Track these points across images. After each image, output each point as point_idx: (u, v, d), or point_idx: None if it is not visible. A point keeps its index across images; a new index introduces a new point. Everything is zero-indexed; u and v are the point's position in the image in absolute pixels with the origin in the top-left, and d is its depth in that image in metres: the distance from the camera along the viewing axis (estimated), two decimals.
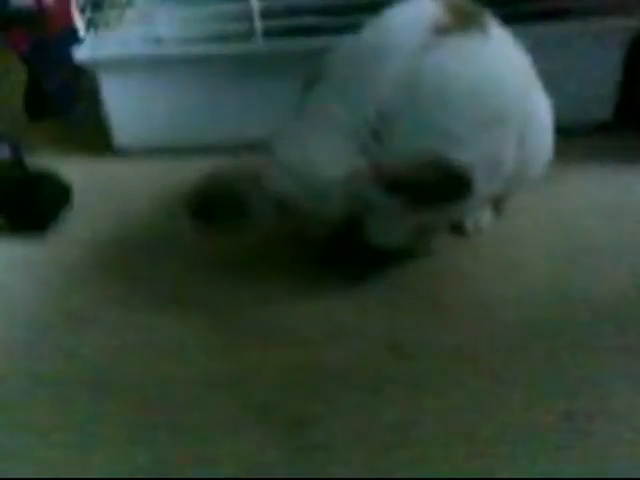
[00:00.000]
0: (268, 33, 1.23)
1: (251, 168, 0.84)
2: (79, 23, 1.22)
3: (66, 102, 1.25)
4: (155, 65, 1.26)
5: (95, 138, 1.34)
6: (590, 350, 0.77)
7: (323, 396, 0.75)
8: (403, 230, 0.87)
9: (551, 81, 1.15)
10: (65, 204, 1.13)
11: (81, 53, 1.24)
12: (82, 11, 1.22)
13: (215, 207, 0.86)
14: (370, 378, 0.77)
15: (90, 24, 1.25)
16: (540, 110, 0.95)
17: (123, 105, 1.29)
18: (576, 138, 1.25)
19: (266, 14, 1.22)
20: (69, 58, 1.22)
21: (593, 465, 0.64)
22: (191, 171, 1.23)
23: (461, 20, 0.85)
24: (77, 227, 1.12)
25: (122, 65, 1.26)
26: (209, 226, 0.87)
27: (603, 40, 1.20)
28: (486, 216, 1.02)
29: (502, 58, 0.89)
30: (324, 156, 0.81)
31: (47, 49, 1.19)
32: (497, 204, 1.02)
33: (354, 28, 0.92)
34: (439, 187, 0.78)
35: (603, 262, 0.92)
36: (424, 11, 0.86)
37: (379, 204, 0.80)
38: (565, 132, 1.23)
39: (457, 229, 1.01)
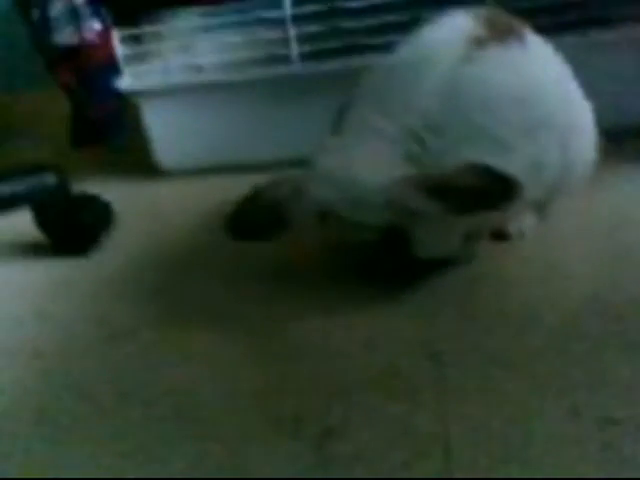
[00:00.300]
0: (305, 56, 1.26)
1: (292, 181, 0.84)
2: (120, 55, 1.27)
3: (111, 130, 1.30)
4: (195, 91, 1.30)
5: (139, 162, 1.39)
6: (635, 355, 0.73)
7: (356, 406, 0.72)
8: (450, 240, 0.86)
9: (594, 87, 1.14)
10: (107, 226, 1.17)
11: (123, 83, 1.29)
12: (123, 44, 1.27)
13: (255, 223, 0.86)
14: (405, 387, 0.74)
15: (131, 56, 1.29)
16: (582, 116, 0.93)
17: (165, 130, 1.34)
18: (622, 142, 1.22)
19: (302, 37, 1.25)
20: (112, 88, 1.27)
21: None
22: (231, 190, 1.26)
23: (498, 32, 0.85)
24: (119, 247, 1.15)
25: (163, 93, 1.30)
26: (250, 241, 0.87)
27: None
28: (530, 220, 1.00)
29: (542, 66, 0.88)
30: (365, 164, 0.80)
31: (91, 81, 1.24)
32: (541, 208, 1.00)
33: (388, 47, 0.92)
34: (482, 193, 0.76)
35: None
36: (460, 25, 0.86)
37: (422, 212, 0.78)
38: (611, 136, 1.21)
39: (500, 234, 0.99)
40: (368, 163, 0.79)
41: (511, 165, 0.80)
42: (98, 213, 1.16)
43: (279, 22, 1.24)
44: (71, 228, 1.13)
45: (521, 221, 0.98)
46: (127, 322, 0.94)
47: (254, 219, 0.86)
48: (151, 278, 1.04)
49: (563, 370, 0.73)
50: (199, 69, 1.32)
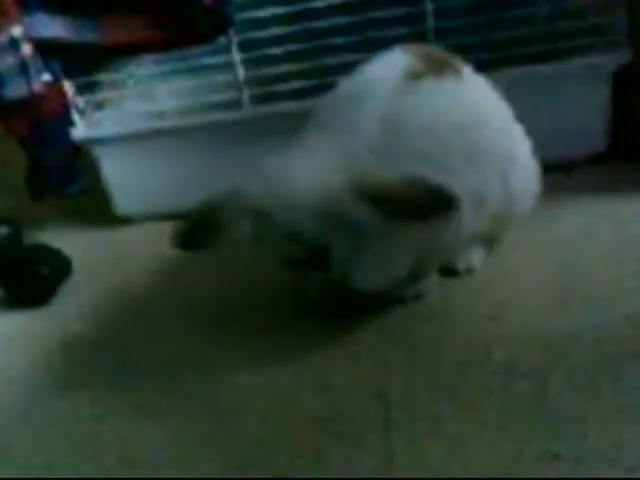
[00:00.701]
0: (256, 99, 1.28)
1: (236, 188, 0.83)
2: (73, 105, 1.28)
3: (67, 178, 1.30)
4: (150, 138, 1.31)
5: (98, 210, 1.40)
6: (579, 390, 0.74)
7: (303, 451, 0.73)
8: (388, 271, 0.86)
9: (542, 118, 1.17)
10: (64, 276, 1.16)
11: (78, 133, 1.29)
12: (76, 94, 1.28)
13: (197, 232, 0.85)
14: (352, 429, 0.74)
15: (85, 105, 1.30)
16: (521, 149, 0.95)
17: (122, 177, 1.34)
18: (572, 173, 1.24)
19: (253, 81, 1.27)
20: (66, 138, 1.28)
21: None
22: None
23: (434, 66, 0.87)
24: (77, 296, 1.14)
25: (118, 140, 1.31)
26: (194, 251, 0.87)
27: (588, 76, 1.21)
28: (478, 255, 1.01)
29: (478, 97, 0.90)
30: (304, 171, 0.79)
31: (45, 132, 1.24)
32: (488, 242, 1.01)
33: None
34: (422, 201, 0.75)
35: (597, 300, 0.88)
36: (395, 61, 0.88)
37: (358, 222, 0.77)
38: (560, 167, 1.23)
39: (449, 270, 0.99)
40: (306, 170, 0.79)
41: (455, 189, 0.81)
42: (54, 263, 1.15)
43: (229, 67, 1.25)
44: (26, 279, 1.13)
45: (469, 256, 0.99)
46: (79, 374, 0.94)
47: (194, 228, 0.85)
48: (105, 328, 1.04)
49: (508, 407, 0.73)
50: (158, 115, 1.33)
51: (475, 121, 0.86)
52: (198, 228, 0.84)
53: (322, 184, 0.77)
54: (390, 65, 0.88)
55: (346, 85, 0.90)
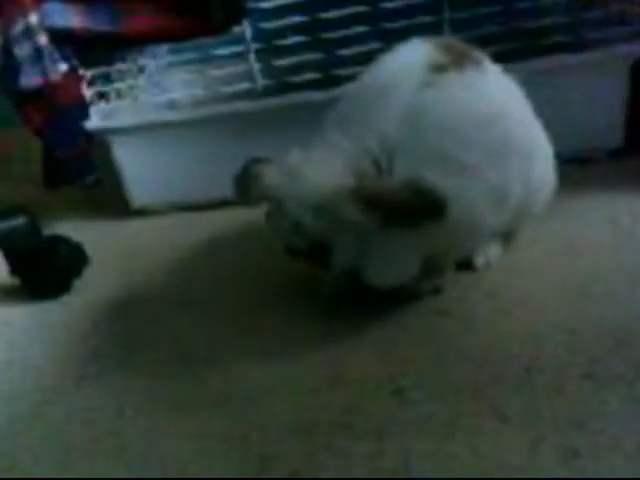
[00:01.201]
0: (270, 90, 1.27)
1: (261, 170, 0.86)
2: (88, 95, 1.28)
3: (81, 170, 1.31)
4: (165, 128, 1.30)
5: (111, 201, 1.40)
6: (598, 384, 0.74)
7: (321, 447, 0.73)
8: (403, 268, 0.86)
9: (560, 112, 1.16)
10: (80, 268, 1.17)
11: (92, 123, 1.30)
12: (91, 84, 1.28)
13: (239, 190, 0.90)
14: (370, 425, 0.75)
15: (101, 95, 1.30)
16: (540, 142, 0.95)
17: (136, 167, 1.34)
18: (588, 167, 1.24)
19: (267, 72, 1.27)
20: (81, 128, 1.28)
21: None
22: (204, 226, 1.29)
23: (456, 58, 0.86)
24: (92, 288, 1.15)
25: (133, 131, 1.31)
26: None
27: (606, 69, 1.19)
28: (496, 250, 1.01)
29: (501, 90, 0.89)
30: (316, 169, 0.82)
31: (59, 122, 1.24)
32: (506, 238, 1.01)
33: (353, 78, 0.94)
34: (409, 208, 0.77)
35: (613, 294, 0.88)
36: (419, 53, 0.87)
37: (350, 222, 0.78)
38: (577, 161, 1.23)
39: (466, 265, 0.99)
40: (319, 169, 0.82)
41: (471, 188, 0.81)
42: (70, 255, 1.16)
43: (244, 57, 1.25)
44: (43, 270, 1.13)
45: (487, 252, 0.99)
46: (95, 366, 0.94)
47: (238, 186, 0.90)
48: (121, 320, 1.04)
49: (527, 402, 0.74)
50: (172, 105, 1.33)
51: (496, 115, 0.85)
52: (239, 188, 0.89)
53: (326, 184, 0.79)
54: (413, 57, 0.87)
55: (369, 76, 0.90)
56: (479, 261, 0.99)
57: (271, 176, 0.85)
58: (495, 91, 0.88)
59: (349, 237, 0.82)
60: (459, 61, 0.86)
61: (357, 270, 0.85)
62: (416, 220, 0.78)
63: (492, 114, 0.84)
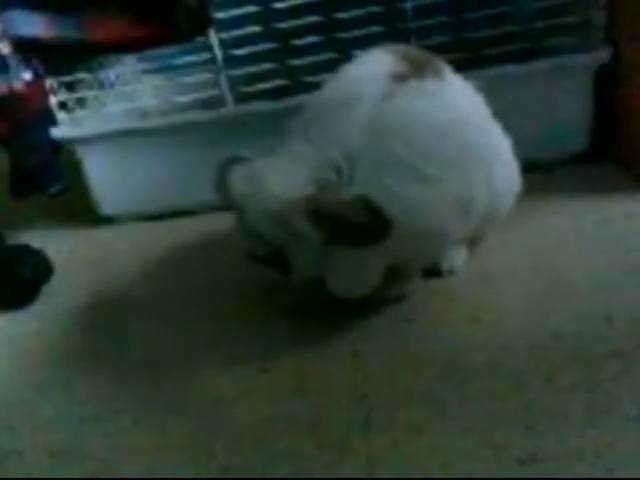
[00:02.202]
0: (239, 98, 1.27)
1: (226, 176, 0.87)
2: (54, 104, 1.27)
3: (48, 178, 1.29)
4: (133, 137, 1.30)
5: (79, 209, 1.39)
6: (559, 391, 0.74)
7: (285, 456, 0.73)
8: (365, 279, 0.86)
9: (524, 118, 1.18)
10: (46, 278, 1.15)
11: (59, 132, 1.28)
12: (56, 92, 1.27)
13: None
14: (335, 434, 0.74)
15: (67, 103, 1.29)
16: (503, 149, 0.96)
17: (104, 176, 1.33)
18: (553, 172, 1.25)
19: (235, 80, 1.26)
20: (47, 137, 1.27)
21: None
22: (173, 235, 1.29)
23: (417, 67, 0.87)
24: (59, 298, 1.14)
25: (100, 139, 1.30)
26: None
27: (569, 75, 1.21)
28: (461, 255, 1.01)
29: (461, 98, 0.90)
30: (278, 177, 0.83)
31: (25, 131, 1.23)
32: (471, 243, 1.02)
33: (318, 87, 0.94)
34: (358, 227, 0.79)
35: (577, 300, 0.89)
36: (380, 63, 0.88)
37: (302, 236, 0.79)
38: (543, 167, 1.24)
39: (431, 271, 0.99)
40: (280, 178, 0.82)
41: (434, 197, 0.82)
42: (35, 265, 1.14)
43: (211, 65, 1.25)
44: (7, 280, 1.12)
45: (452, 257, 1.00)
46: (60, 376, 0.93)
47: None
48: (87, 329, 1.04)
49: (489, 409, 0.74)
50: (143, 113, 1.32)
51: (457, 124, 0.86)
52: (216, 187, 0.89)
53: (284, 195, 0.80)
54: (375, 66, 0.88)
55: (332, 86, 0.90)
56: (445, 267, 1.00)
57: (235, 182, 0.85)
58: (455, 100, 0.89)
59: (309, 247, 0.82)
60: (419, 70, 0.86)
61: (321, 279, 0.85)
62: (360, 238, 0.79)
63: (452, 123, 0.85)
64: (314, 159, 0.83)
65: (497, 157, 0.92)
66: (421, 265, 0.97)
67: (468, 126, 0.87)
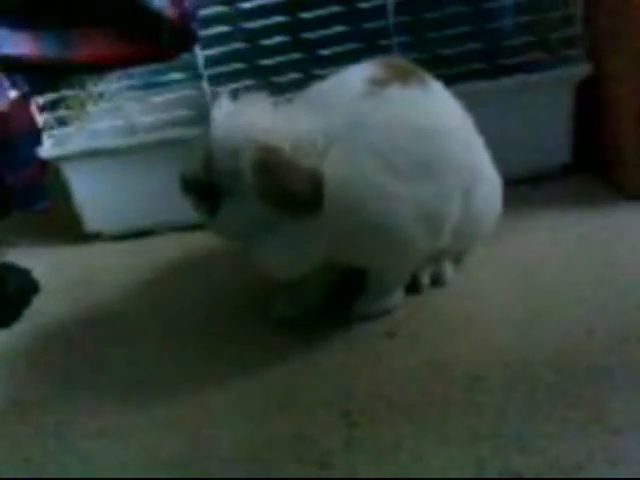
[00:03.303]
0: None
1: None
2: (40, 122, 1.27)
3: (33, 196, 1.29)
4: (117, 154, 1.30)
5: (65, 227, 1.38)
6: (540, 405, 0.74)
7: (270, 469, 0.73)
8: (296, 259, 0.83)
9: (506, 132, 1.19)
10: (30, 296, 1.15)
11: (45, 151, 1.28)
12: (42, 110, 1.27)
13: None
14: (316, 449, 0.74)
15: (53, 121, 1.29)
16: (485, 165, 0.96)
17: (91, 193, 1.33)
18: (538, 185, 1.26)
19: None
20: (32, 155, 1.27)
21: None
22: (160, 252, 1.28)
23: (399, 75, 0.87)
24: (43, 316, 1.13)
25: (85, 157, 1.30)
26: None
27: (551, 90, 1.22)
28: (447, 271, 1.01)
29: (442, 109, 0.90)
30: (255, 116, 0.81)
31: (10, 149, 1.23)
32: (455, 258, 1.02)
33: None
34: (292, 192, 0.77)
35: (559, 314, 0.89)
36: (361, 71, 0.89)
37: (243, 180, 0.77)
38: (528, 181, 1.25)
39: (414, 286, 1.00)
40: (260, 119, 0.81)
41: (401, 194, 0.82)
42: (20, 282, 1.14)
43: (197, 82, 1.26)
44: None
45: (438, 271, 1.00)
46: (44, 395, 0.92)
47: None
48: (71, 348, 1.03)
49: (470, 423, 0.74)
50: (129, 131, 1.32)
51: (434, 131, 0.86)
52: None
53: (251, 133, 0.78)
54: (356, 74, 0.89)
55: (315, 88, 0.91)
56: (425, 281, 1.00)
57: (225, 106, 0.84)
58: (436, 108, 0.89)
59: (245, 198, 0.80)
60: (402, 78, 0.87)
61: (245, 252, 0.85)
62: (291, 205, 0.78)
63: (429, 129, 0.85)
64: (296, 121, 0.82)
65: (479, 173, 0.93)
66: (399, 278, 0.97)
67: (445, 136, 0.87)
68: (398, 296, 0.97)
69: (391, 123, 0.83)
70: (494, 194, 0.97)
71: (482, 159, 0.96)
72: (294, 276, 0.87)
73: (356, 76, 0.88)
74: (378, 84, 0.85)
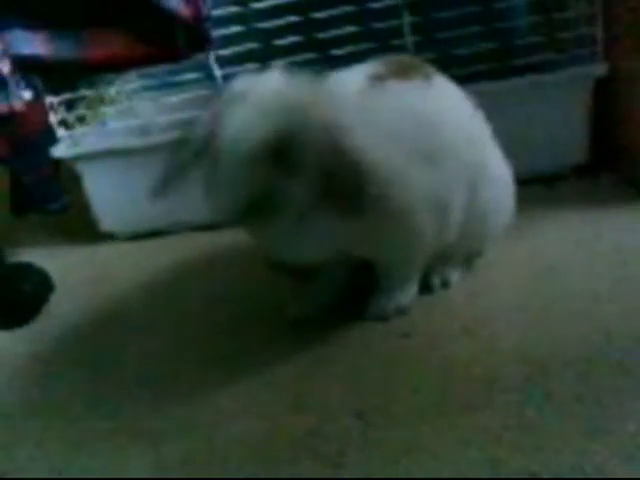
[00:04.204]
0: None
1: None
2: (54, 122, 1.28)
3: (48, 196, 1.30)
4: (132, 154, 1.30)
5: (81, 226, 1.39)
6: (558, 406, 0.74)
7: (281, 470, 0.72)
8: (304, 245, 0.82)
9: (523, 131, 1.18)
10: (47, 295, 1.16)
11: (60, 151, 1.29)
12: (58, 110, 1.28)
13: None
14: (331, 449, 0.74)
15: (67, 121, 1.30)
16: (494, 162, 0.95)
17: (105, 193, 1.34)
18: (554, 184, 1.25)
19: None
20: (48, 155, 1.28)
21: None
22: (171, 250, 1.29)
23: (400, 70, 0.88)
24: (59, 315, 1.14)
25: (100, 157, 1.31)
26: None
27: (567, 89, 1.21)
28: (454, 271, 1.01)
29: (446, 104, 0.90)
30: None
31: (25, 149, 1.24)
32: (467, 258, 1.02)
33: None
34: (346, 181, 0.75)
35: (576, 314, 0.88)
36: (363, 68, 0.90)
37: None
38: (543, 179, 1.24)
39: (426, 286, 0.99)
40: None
41: (413, 178, 0.83)
42: (36, 281, 1.15)
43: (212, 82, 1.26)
44: (8, 297, 1.12)
45: (446, 273, 1.00)
46: (59, 394, 0.93)
47: None
48: (85, 347, 1.04)
49: (487, 424, 0.73)
50: (143, 131, 1.33)
51: (438, 123, 0.86)
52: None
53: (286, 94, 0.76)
54: (357, 71, 0.90)
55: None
56: (436, 281, 1.00)
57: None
58: (439, 104, 0.89)
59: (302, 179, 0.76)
60: (404, 73, 0.88)
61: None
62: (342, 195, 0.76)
63: (430, 122, 0.86)
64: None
65: (484, 170, 0.92)
66: (409, 272, 0.96)
67: (448, 129, 0.87)
68: (410, 295, 0.96)
69: (392, 112, 0.84)
70: (504, 195, 0.97)
71: (491, 157, 0.95)
72: (316, 262, 0.86)
73: (358, 73, 0.89)
74: (379, 79, 0.86)
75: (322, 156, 0.74)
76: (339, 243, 0.85)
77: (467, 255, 1.00)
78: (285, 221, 0.78)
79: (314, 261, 0.86)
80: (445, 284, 1.00)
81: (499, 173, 0.95)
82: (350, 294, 1.00)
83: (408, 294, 0.96)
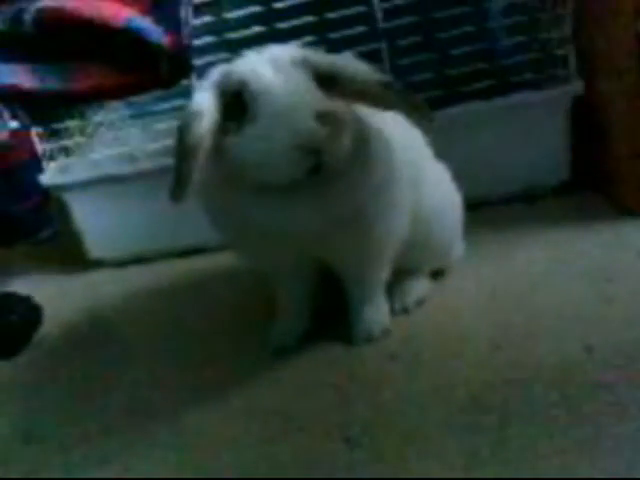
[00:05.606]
0: None
1: None
2: (40, 151, 1.28)
3: (37, 224, 1.31)
4: (119, 181, 1.31)
5: (69, 254, 1.40)
6: (540, 425, 0.74)
7: None
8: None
9: (502, 151, 1.20)
10: (36, 325, 1.16)
11: (47, 179, 1.30)
12: (44, 140, 1.29)
13: None
14: (320, 472, 0.75)
15: (54, 150, 1.31)
16: (432, 168, 0.99)
17: (93, 221, 1.34)
18: (535, 203, 1.26)
19: None
20: (35, 184, 1.28)
21: None
22: (161, 276, 1.29)
23: None
24: (48, 344, 1.14)
25: (88, 185, 1.31)
26: None
27: (546, 108, 1.23)
28: (416, 291, 1.03)
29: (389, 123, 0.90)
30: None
31: (12, 179, 1.25)
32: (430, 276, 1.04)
33: None
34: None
35: (558, 332, 0.89)
36: None
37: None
38: (524, 198, 1.25)
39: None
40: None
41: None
42: (24, 311, 1.15)
43: None
44: None
45: (404, 297, 1.02)
46: (49, 423, 0.93)
47: None
48: (74, 375, 1.04)
49: (472, 445, 0.74)
50: (130, 158, 1.34)
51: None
52: None
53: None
54: None
55: None
56: (396, 306, 1.01)
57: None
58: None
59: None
60: None
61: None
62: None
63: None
64: None
65: (426, 180, 0.95)
66: (369, 272, 0.96)
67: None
68: (386, 314, 0.98)
69: None
70: (448, 208, 1.00)
71: (432, 172, 0.98)
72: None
73: None
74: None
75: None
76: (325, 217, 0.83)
77: (420, 272, 1.03)
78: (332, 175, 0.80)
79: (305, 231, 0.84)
80: (405, 309, 1.01)
81: (441, 190, 0.98)
82: (321, 317, 1.01)
83: (384, 313, 0.98)
